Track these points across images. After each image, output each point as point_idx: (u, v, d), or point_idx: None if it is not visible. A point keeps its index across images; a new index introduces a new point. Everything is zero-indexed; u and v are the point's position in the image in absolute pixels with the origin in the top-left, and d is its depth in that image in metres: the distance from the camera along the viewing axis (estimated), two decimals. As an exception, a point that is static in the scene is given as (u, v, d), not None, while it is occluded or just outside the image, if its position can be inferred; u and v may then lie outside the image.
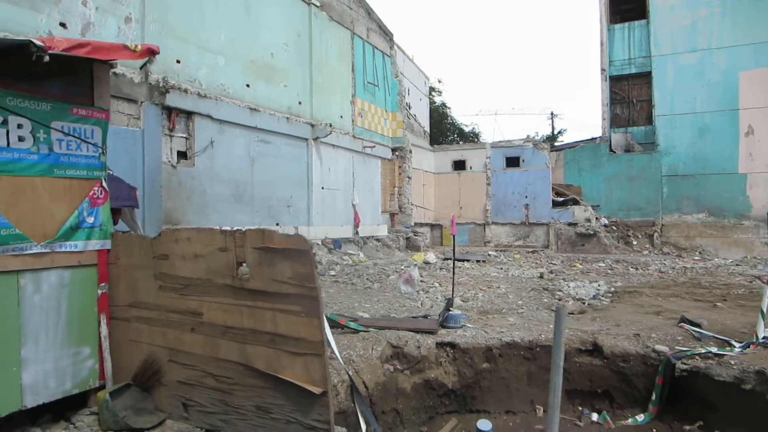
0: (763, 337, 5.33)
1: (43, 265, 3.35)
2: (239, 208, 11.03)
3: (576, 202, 20.43)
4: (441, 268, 12.88)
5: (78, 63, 3.49)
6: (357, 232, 15.52)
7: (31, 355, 3.26)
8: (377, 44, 17.31)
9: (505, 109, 77.50)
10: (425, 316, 6.51)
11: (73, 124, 3.50)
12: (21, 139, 3.22)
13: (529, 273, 12.27)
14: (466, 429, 5.23)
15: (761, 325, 5.39)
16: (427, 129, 26.47)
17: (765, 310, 5.38)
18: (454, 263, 7.68)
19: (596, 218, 19.97)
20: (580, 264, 14.54)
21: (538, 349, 5.62)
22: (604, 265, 14.36)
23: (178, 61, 9.55)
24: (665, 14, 20.24)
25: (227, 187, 10.72)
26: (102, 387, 3.61)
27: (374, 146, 16.67)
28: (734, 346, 5.23)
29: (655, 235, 19.50)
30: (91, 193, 3.62)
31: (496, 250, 18.57)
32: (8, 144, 3.16)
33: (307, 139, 13.33)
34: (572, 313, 7.28)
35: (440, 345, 5.60)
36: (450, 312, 6.13)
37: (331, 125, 13.82)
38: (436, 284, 9.79)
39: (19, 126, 3.21)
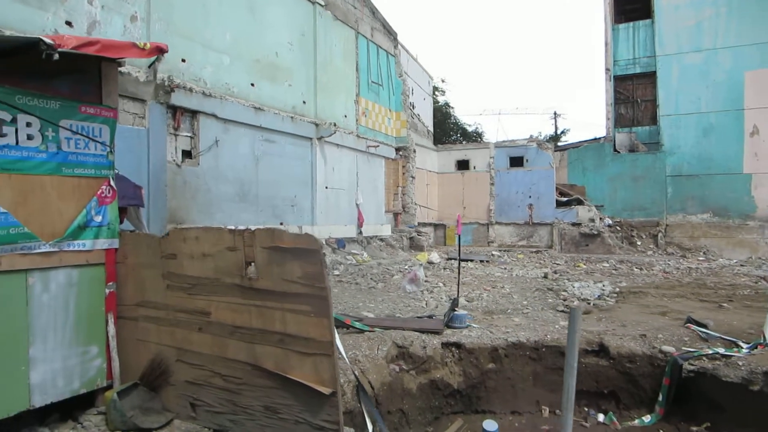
0: (771, 339, 5.30)
1: (51, 264, 3.34)
2: (244, 207, 11.02)
3: (580, 202, 20.36)
4: (445, 268, 12.85)
5: (86, 61, 3.48)
6: (361, 232, 15.50)
7: (39, 355, 3.26)
8: (381, 43, 17.27)
9: (509, 109, 77.57)
10: (430, 316, 6.49)
11: (82, 123, 3.50)
12: (30, 137, 3.22)
13: (533, 273, 12.22)
14: (471, 429, 5.21)
15: (769, 326, 5.36)
16: (431, 129, 26.42)
17: (773, 312, 5.36)
18: (459, 263, 7.65)
19: (600, 218, 19.91)
20: (584, 264, 14.47)
21: (543, 349, 5.60)
22: (608, 265, 14.29)
23: (183, 60, 9.55)
24: (670, 14, 20.17)
25: (232, 187, 10.71)
26: (110, 386, 3.60)
27: (378, 146, 16.64)
28: (741, 347, 5.20)
29: (660, 235, 19.42)
30: (99, 192, 3.61)
31: (500, 250, 18.51)
32: (17, 142, 3.15)
33: (311, 139, 13.31)
34: (578, 314, 7.23)
35: (446, 345, 5.58)
36: (455, 312, 6.11)
37: (335, 124, 13.79)
38: (441, 284, 9.75)
39: (28, 124, 3.20)
